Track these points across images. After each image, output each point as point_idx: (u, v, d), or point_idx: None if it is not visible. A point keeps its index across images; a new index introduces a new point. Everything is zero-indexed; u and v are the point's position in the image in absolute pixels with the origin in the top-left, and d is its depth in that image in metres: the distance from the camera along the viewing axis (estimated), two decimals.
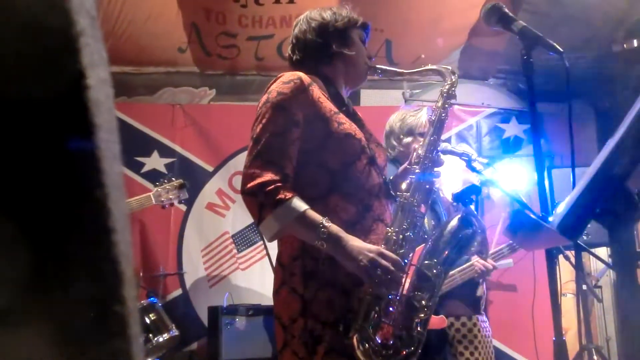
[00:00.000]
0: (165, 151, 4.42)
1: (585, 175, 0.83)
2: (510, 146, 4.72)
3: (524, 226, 1.03)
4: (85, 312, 0.31)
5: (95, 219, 0.29)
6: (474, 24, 4.15)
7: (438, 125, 1.69)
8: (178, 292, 4.22)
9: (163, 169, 4.39)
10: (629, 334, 0.81)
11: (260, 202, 1.40)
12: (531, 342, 3.82)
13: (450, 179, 3.33)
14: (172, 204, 3.03)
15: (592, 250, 3.08)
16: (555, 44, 1.54)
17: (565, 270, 3.59)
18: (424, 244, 1.61)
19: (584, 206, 0.80)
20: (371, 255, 1.38)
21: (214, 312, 3.74)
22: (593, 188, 0.78)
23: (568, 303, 3.94)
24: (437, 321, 2.48)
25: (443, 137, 5.00)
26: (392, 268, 1.38)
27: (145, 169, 4.37)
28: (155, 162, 4.40)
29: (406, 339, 1.42)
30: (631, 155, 0.77)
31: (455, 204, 1.67)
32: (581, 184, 0.81)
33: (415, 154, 1.65)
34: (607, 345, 4.18)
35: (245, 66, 4.61)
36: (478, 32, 4.26)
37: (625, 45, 4.52)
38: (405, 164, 1.68)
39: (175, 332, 3.39)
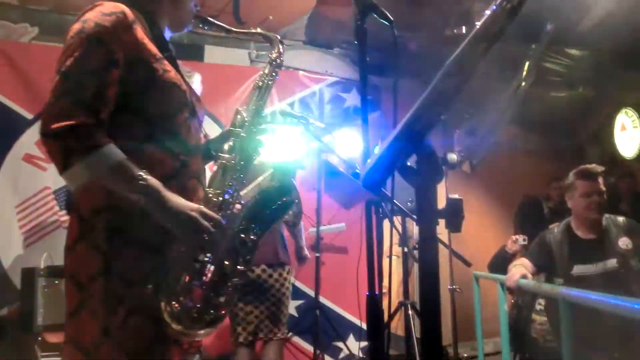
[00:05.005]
0: None
1: (391, 134, 0.87)
2: (350, 115, 4.93)
3: (337, 181, 1.06)
4: None
5: None
6: None
7: (264, 91, 1.67)
8: None
9: None
10: (426, 280, 0.88)
11: (68, 146, 1.23)
12: (355, 299, 4.09)
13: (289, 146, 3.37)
14: None
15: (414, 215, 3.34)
16: (387, 13, 1.60)
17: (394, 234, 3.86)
18: None
19: (386, 161, 0.84)
20: (192, 213, 1.32)
21: (29, 273, 3.49)
22: (395, 144, 0.82)
23: (395, 264, 4.28)
24: None
25: (286, 101, 5.01)
26: (213, 229, 1.34)
27: None
28: None
29: (215, 303, 1.37)
30: (431, 113, 0.83)
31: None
32: (386, 142, 0.85)
33: (238, 116, 1.61)
34: None
35: (76, 5, 4.15)
36: (326, 0, 4.33)
37: (455, 31, 4.94)
38: (229, 127, 1.63)
39: None
